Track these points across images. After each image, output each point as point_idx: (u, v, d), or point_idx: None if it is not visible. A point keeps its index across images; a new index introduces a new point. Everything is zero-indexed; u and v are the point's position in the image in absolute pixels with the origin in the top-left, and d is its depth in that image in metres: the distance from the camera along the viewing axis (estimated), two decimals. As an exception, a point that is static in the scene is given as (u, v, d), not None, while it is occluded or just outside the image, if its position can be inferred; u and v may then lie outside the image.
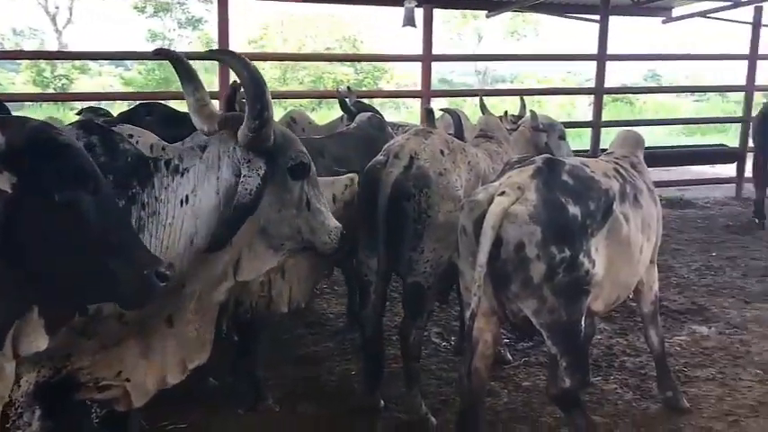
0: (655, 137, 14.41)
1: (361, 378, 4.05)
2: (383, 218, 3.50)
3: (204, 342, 2.69)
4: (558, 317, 3.06)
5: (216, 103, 6.21)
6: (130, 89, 27.30)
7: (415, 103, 10.77)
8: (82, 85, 26.65)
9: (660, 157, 9.37)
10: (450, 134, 5.02)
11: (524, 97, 5.59)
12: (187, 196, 2.45)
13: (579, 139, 11.39)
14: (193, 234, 2.42)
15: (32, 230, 1.69)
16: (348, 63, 27.34)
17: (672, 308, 5.62)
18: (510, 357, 4.56)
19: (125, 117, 4.64)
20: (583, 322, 3.15)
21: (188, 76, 2.54)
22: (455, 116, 4.81)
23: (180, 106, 3.60)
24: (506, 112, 5.23)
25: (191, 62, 2.56)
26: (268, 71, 26.67)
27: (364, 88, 24.65)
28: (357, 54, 23.66)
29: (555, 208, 3.00)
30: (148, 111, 4.22)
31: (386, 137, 4.57)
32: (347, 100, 5.60)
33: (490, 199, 3.04)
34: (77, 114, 6.56)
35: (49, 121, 1.94)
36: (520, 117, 5.37)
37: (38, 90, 25.68)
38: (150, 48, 31.28)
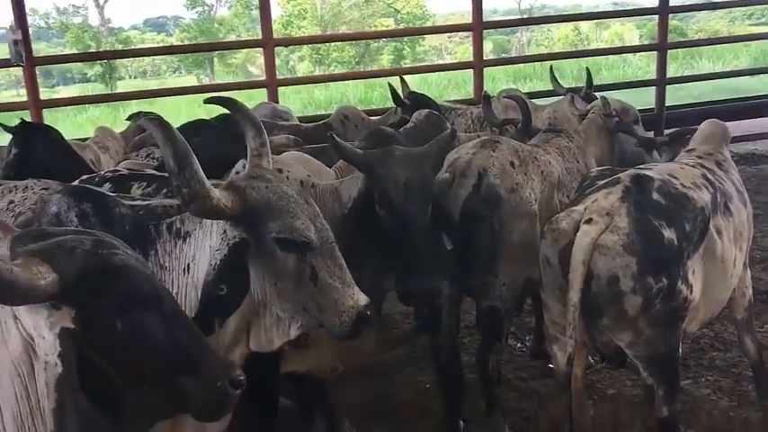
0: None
1: (437, 394, 3.88)
2: (454, 240, 3.27)
3: None
4: (655, 348, 2.84)
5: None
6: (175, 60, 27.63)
7: (459, 49, 10.32)
8: (125, 61, 26.95)
9: (729, 111, 8.80)
10: (513, 120, 4.77)
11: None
12: (188, 265, 2.24)
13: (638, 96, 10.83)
14: (196, 308, 2.22)
15: (100, 362, 1.58)
16: (389, 14, 26.95)
17: (759, 288, 5.18)
18: (592, 361, 4.33)
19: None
20: (680, 349, 2.91)
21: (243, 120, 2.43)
22: (522, 103, 4.51)
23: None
24: (573, 98, 4.89)
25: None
26: (308, 28, 26.45)
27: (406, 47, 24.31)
28: (400, 29, 23.15)
29: (650, 235, 2.73)
30: (195, 131, 4.05)
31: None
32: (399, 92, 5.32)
33: (575, 227, 2.79)
34: (127, 120, 6.49)
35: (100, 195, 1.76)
36: (588, 95, 5.02)
37: (86, 68, 26.18)
38: (189, 15, 31.55)
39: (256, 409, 2.92)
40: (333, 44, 26.03)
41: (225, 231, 2.22)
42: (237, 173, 2.99)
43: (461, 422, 3.70)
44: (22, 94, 20.83)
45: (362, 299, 2.23)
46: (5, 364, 1.56)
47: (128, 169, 3.59)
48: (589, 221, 2.75)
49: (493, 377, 3.48)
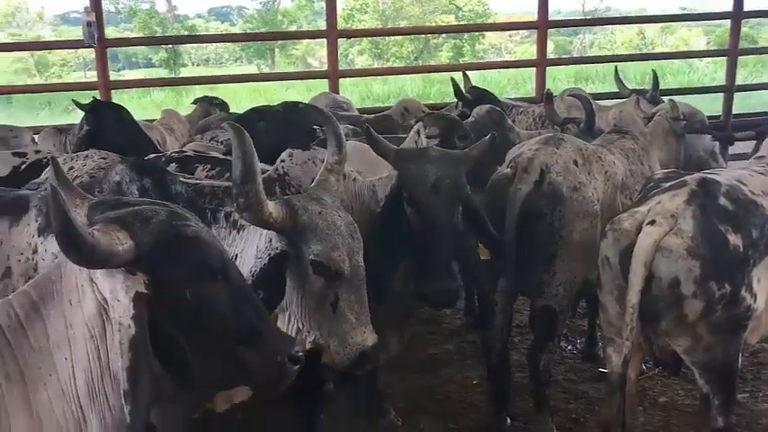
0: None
1: (485, 390, 3.89)
2: (511, 237, 3.26)
3: None
4: (714, 355, 2.77)
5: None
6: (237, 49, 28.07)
7: (519, 49, 10.20)
8: (189, 48, 27.51)
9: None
10: (575, 120, 4.71)
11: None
12: (236, 255, 2.35)
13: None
14: None
15: (171, 326, 1.65)
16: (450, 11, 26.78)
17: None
18: (644, 367, 4.25)
19: (236, 121, 4.60)
20: (739, 359, 2.84)
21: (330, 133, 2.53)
22: (586, 102, 4.45)
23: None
24: (638, 100, 4.80)
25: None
26: (369, 23, 26.52)
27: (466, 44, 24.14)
28: (464, 25, 22.97)
29: (714, 239, 2.67)
30: (261, 116, 4.13)
31: (507, 133, 4.28)
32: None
33: (638, 228, 2.74)
34: (193, 104, 6.65)
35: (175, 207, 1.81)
36: (654, 98, 4.92)
37: (151, 53, 26.84)
38: (253, 5, 32.06)
39: (303, 391, 2.96)
40: (392, 39, 26.05)
41: (271, 240, 2.37)
42: (282, 161, 3.10)
43: (508, 420, 3.69)
44: (89, 76, 21.51)
45: (371, 339, 2.34)
46: (80, 325, 1.63)
47: (194, 151, 3.69)
48: (653, 223, 2.71)
49: (543, 377, 3.46)
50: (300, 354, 1.82)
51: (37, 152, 4.32)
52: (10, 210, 2.51)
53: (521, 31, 26.83)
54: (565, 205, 3.23)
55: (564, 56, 25.19)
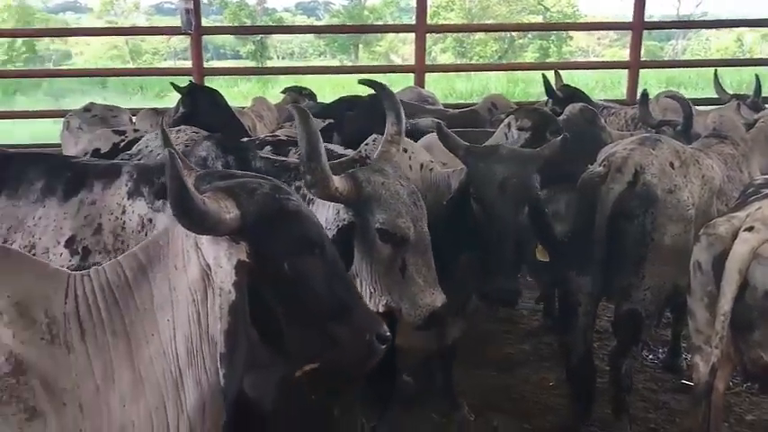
0: None
1: (563, 393, 3.83)
2: (600, 237, 3.19)
3: None
4: (811, 372, 2.63)
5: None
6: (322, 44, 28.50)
7: (608, 52, 9.90)
8: (276, 41, 28.10)
9: None
10: (670, 122, 4.56)
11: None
12: None
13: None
14: None
15: (268, 296, 1.68)
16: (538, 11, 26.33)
17: None
18: (731, 383, 4.09)
19: (325, 109, 4.68)
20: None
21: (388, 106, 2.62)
22: (685, 104, 4.30)
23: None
24: (739, 105, 4.61)
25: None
26: (455, 21, 26.41)
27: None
28: (556, 23, 22.50)
29: (818, 250, 2.53)
30: (349, 105, 4.18)
31: (599, 132, 4.19)
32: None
33: (734, 233, 2.63)
34: (282, 93, 6.79)
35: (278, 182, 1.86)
36: (756, 104, 4.71)
37: (239, 45, 27.52)
38: (339, 0, 32.45)
39: (377, 380, 3.00)
40: (476, 38, 25.86)
41: (338, 212, 2.52)
42: (366, 144, 3.25)
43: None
44: (178, 65, 22.20)
45: (440, 299, 2.46)
46: (183, 289, 1.69)
47: (286, 136, 3.79)
48: (750, 229, 2.59)
49: (625, 382, 3.37)
50: (389, 334, 1.83)
51: (135, 131, 4.52)
52: (105, 175, 2.76)
53: (609, 35, 26.20)
54: (658, 207, 3.14)
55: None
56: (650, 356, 4.52)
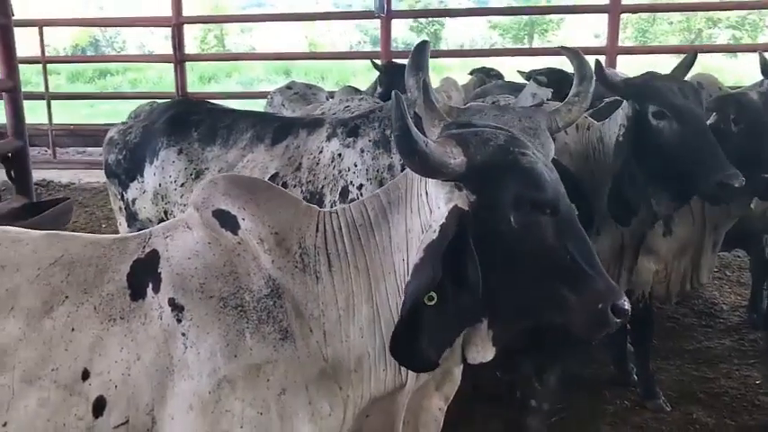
0: None
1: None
2: None
3: None
4: None
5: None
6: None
7: None
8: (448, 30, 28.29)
9: None
10: None
11: None
12: None
13: None
14: None
15: (485, 249, 1.64)
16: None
17: None
18: None
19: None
20: None
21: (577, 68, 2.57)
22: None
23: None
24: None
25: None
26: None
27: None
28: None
29: None
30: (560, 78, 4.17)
31: None
32: None
33: None
34: (469, 74, 6.82)
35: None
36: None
37: (413, 35, 27.95)
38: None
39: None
40: (659, 29, 24.43)
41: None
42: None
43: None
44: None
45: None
46: (417, 231, 1.72)
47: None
48: None
49: None
50: (627, 308, 1.67)
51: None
52: (311, 125, 3.24)
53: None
54: None
55: None
56: None
